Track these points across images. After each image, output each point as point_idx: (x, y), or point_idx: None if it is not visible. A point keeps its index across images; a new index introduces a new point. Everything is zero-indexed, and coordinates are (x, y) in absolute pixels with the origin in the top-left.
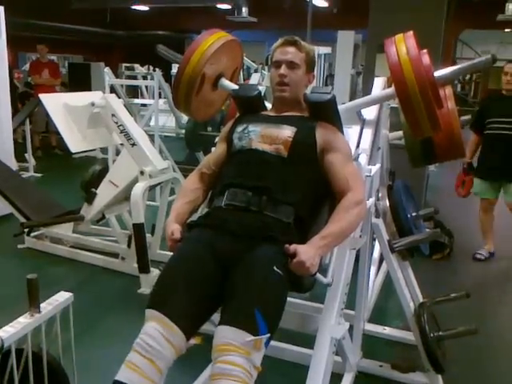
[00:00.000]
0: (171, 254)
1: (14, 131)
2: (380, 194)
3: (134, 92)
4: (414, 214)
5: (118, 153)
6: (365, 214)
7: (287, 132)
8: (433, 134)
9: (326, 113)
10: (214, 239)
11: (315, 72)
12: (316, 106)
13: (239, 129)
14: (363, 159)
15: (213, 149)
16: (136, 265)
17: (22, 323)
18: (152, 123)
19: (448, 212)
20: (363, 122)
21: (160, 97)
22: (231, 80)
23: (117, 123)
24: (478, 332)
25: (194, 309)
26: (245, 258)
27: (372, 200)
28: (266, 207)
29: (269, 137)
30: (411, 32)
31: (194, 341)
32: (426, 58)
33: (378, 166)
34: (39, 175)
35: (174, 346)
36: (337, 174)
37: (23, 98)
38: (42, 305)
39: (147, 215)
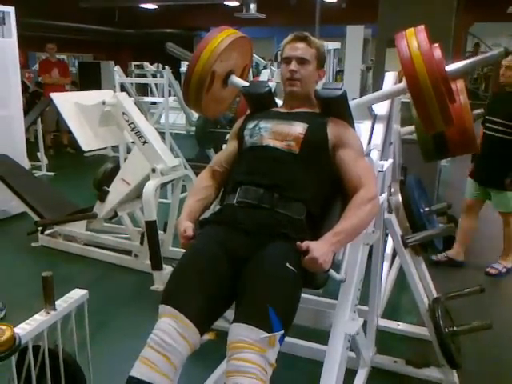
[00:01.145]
0: (183, 251)
1: (26, 131)
2: (392, 190)
3: (143, 90)
4: (426, 209)
5: (129, 151)
6: (377, 210)
7: (298, 128)
8: (445, 129)
9: (337, 109)
10: (226, 237)
11: (324, 68)
12: (327, 102)
13: (250, 125)
14: (375, 155)
15: (224, 146)
16: (149, 262)
17: (38, 320)
18: (162, 121)
19: (461, 207)
20: (375, 118)
21: (170, 94)
22: (241, 77)
23: (128, 121)
24: (492, 327)
25: (208, 305)
26: (257, 255)
27: (384, 195)
28: (278, 204)
29: (280, 133)
30: (422, 26)
31: (207, 336)
32: (437, 52)
33: (390, 161)
34: (52, 174)
35: (188, 341)
36: (349, 171)
37: (34, 98)
38: (57, 302)
39: (159, 213)
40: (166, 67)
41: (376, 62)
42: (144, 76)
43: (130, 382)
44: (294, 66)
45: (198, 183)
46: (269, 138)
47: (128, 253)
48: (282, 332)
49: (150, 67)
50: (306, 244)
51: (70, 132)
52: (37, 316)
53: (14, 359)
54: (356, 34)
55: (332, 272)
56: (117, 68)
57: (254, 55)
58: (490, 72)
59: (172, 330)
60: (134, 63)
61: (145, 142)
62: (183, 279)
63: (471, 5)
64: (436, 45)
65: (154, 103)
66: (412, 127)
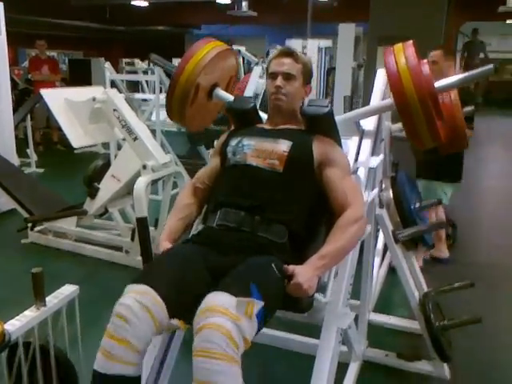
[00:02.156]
0: None
1: (15, 127)
2: (383, 185)
3: (134, 87)
4: (417, 205)
5: (119, 148)
6: (364, 230)
7: (283, 146)
8: (433, 146)
9: (323, 126)
10: (206, 253)
11: (316, 65)
12: (313, 120)
13: (233, 142)
14: (362, 173)
15: (215, 142)
16: (140, 258)
17: (28, 316)
18: (153, 118)
19: (451, 203)
20: (362, 133)
21: (161, 91)
22: (226, 89)
23: (118, 118)
24: (481, 321)
25: (179, 287)
26: (238, 264)
27: (376, 191)
28: (259, 228)
29: (263, 151)
30: (411, 41)
31: (176, 322)
32: (426, 68)
33: (381, 157)
34: (41, 171)
35: (154, 318)
36: (335, 190)
37: (23, 95)
38: (47, 298)
39: (150, 209)
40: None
41: (367, 59)
42: (135, 73)
43: (95, 375)
44: (279, 81)
45: (179, 201)
46: (252, 156)
47: (119, 249)
48: (262, 304)
49: (140, 64)
50: (291, 268)
51: (60, 129)
52: (27, 312)
53: (5, 355)
54: (348, 31)
55: (317, 295)
56: (107, 65)
57: (246, 53)
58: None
59: (135, 305)
60: (124, 60)
61: (136, 139)
62: (157, 266)
63: (462, 4)
64: (425, 61)
65: (144, 100)
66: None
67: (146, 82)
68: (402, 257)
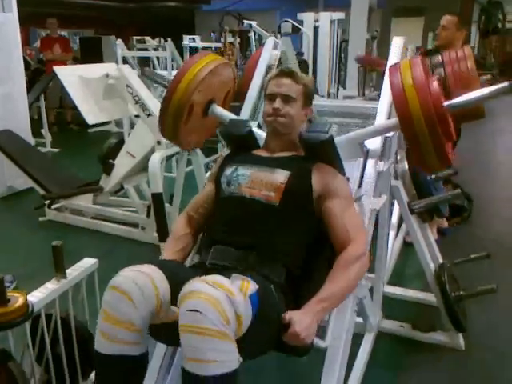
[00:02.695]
0: None
1: (29, 108)
2: (399, 157)
3: (145, 64)
4: (432, 176)
5: (132, 126)
6: (367, 267)
7: (280, 177)
8: (441, 169)
9: (323, 153)
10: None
11: (328, 39)
12: (312, 147)
13: (228, 171)
14: (367, 202)
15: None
16: (156, 234)
17: (50, 289)
18: None
19: (467, 176)
20: (367, 154)
21: (173, 68)
22: (224, 103)
23: (132, 94)
24: (496, 291)
25: (176, 278)
26: None
27: (391, 161)
28: (254, 267)
29: (259, 182)
30: (419, 58)
31: (176, 310)
32: (435, 86)
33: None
34: (56, 150)
35: (156, 288)
36: (336, 224)
37: (36, 75)
38: (67, 271)
39: (164, 186)
40: (169, 40)
41: (381, 30)
42: (146, 50)
43: (96, 356)
44: (278, 103)
45: (175, 230)
46: (247, 187)
47: (135, 226)
48: (257, 288)
49: (151, 42)
50: (288, 316)
51: (73, 108)
52: (48, 284)
53: (28, 326)
54: (361, 2)
55: (316, 340)
56: (119, 41)
57: (257, 27)
58: (496, 42)
59: (135, 275)
60: (135, 38)
61: (149, 115)
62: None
63: None
64: (434, 78)
65: None
66: None
67: (158, 59)
68: (418, 228)
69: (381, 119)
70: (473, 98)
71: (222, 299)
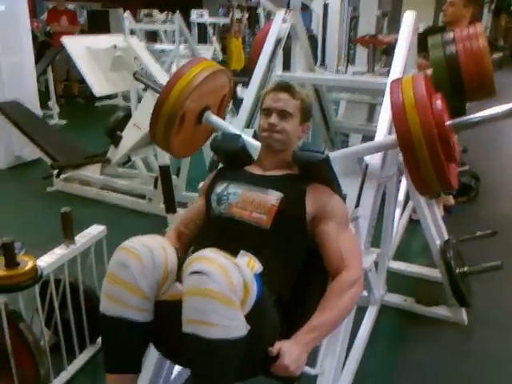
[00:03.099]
0: (196, 195)
1: (37, 80)
2: None
3: (152, 38)
4: None
5: (140, 100)
6: (362, 290)
7: (272, 198)
8: (442, 190)
9: (318, 173)
10: None
11: (338, 17)
12: (307, 167)
13: (219, 189)
14: (364, 225)
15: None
16: (163, 205)
17: (59, 254)
18: (174, 69)
19: (474, 156)
20: (365, 169)
21: (180, 42)
22: (219, 109)
23: (139, 66)
24: (502, 267)
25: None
26: None
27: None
28: None
29: (250, 203)
30: (421, 74)
31: (181, 288)
32: (438, 105)
33: None
34: (63, 122)
35: (167, 252)
36: (330, 248)
37: (43, 48)
38: (76, 238)
39: (171, 159)
40: (177, 12)
41: (393, 7)
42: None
43: (101, 318)
44: (274, 119)
45: None
46: (237, 207)
47: (142, 197)
48: (261, 269)
49: (159, 16)
50: (276, 348)
51: (80, 82)
52: (57, 250)
53: (38, 290)
54: None
55: (306, 368)
56: (126, 14)
57: (266, 3)
58: (508, 24)
59: (149, 239)
60: (142, 11)
61: None
62: None
63: None
64: (438, 95)
65: (163, 51)
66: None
67: (165, 32)
68: (425, 204)
69: (380, 137)
70: (476, 120)
71: (230, 267)
